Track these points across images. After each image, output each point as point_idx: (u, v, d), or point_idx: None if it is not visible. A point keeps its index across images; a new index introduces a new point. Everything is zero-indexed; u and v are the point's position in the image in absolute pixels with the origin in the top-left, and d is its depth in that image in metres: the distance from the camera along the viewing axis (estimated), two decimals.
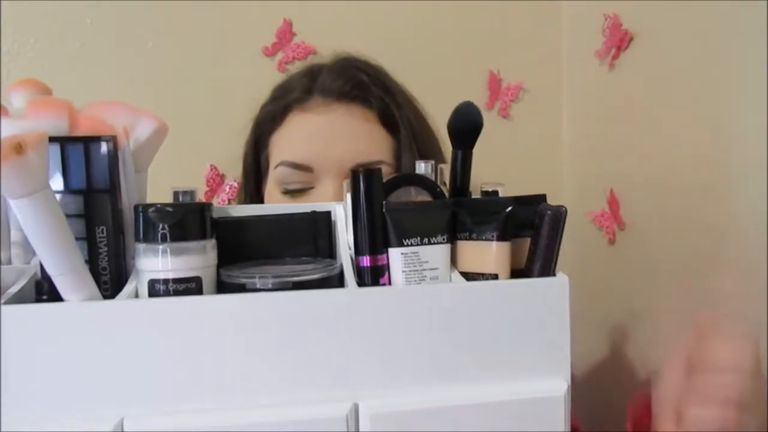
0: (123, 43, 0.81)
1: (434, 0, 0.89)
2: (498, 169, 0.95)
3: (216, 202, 0.86)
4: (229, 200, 0.85)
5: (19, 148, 0.34)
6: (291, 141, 0.66)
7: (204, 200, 0.43)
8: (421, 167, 0.50)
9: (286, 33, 0.85)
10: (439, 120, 0.68)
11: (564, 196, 0.95)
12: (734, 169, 0.63)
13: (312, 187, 0.64)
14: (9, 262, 0.44)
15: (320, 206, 0.49)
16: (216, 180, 0.85)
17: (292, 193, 0.64)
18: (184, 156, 0.83)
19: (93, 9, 0.80)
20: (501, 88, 0.91)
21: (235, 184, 0.85)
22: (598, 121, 0.87)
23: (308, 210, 0.48)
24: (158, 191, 0.47)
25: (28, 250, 0.43)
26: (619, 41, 0.78)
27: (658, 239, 0.75)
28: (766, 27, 0.57)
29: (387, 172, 0.62)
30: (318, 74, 0.68)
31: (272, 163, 0.67)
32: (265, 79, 0.73)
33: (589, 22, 0.84)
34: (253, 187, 0.71)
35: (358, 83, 0.67)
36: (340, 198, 0.59)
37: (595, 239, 0.87)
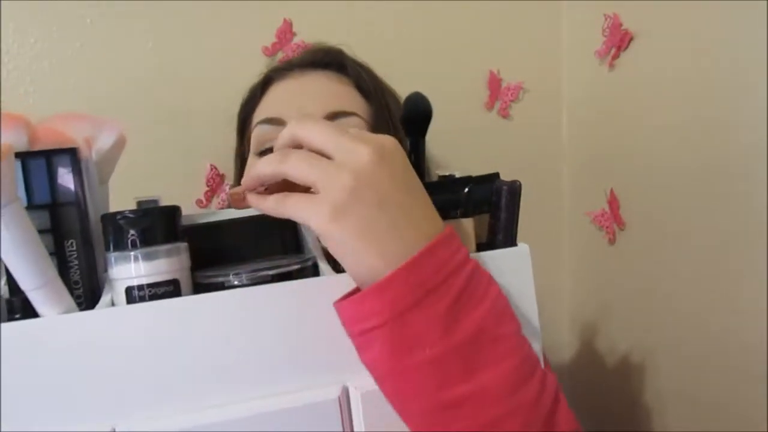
0: (123, 43, 0.81)
1: (434, 0, 0.89)
2: (498, 169, 0.95)
3: (216, 202, 0.86)
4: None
5: None
6: (266, 104, 0.67)
7: (176, 206, 0.43)
8: None
9: (286, 33, 0.85)
10: (439, 120, 0.68)
11: (564, 196, 0.95)
12: (734, 168, 0.63)
13: None
14: None
15: None
16: (216, 180, 0.85)
17: (265, 153, 0.64)
18: (185, 156, 0.83)
19: (93, 9, 0.80)
20: (501, 88, 0.91)
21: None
22: (598, 121, 0.87)
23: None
24: (159, 192, 0.46)
25: None
26: (619, 41, 0.79)
27: (658, 239, 0.75)
28: (766, 27, 0.57)
29: (361, 126, 0.62)
30: (300, 56, 0.71)
31: (252, 134, 0.67)
32: (258, 77, 0.72)
33: (589, 22, 0.84)
34: (237, 176, 0.72)
35: (335, 53, 0.70)
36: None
37: (595, 239, 0.88)
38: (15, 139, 0.39)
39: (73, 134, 0.42)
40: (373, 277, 0.36)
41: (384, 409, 0.40)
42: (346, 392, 0.41)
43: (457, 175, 0.50)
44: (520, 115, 0.92)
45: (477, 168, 0.55)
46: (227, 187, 0.85)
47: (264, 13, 0.84)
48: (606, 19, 0.81)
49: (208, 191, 0.85)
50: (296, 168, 0.37)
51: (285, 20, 0.85)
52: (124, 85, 0.82)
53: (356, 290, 0.38)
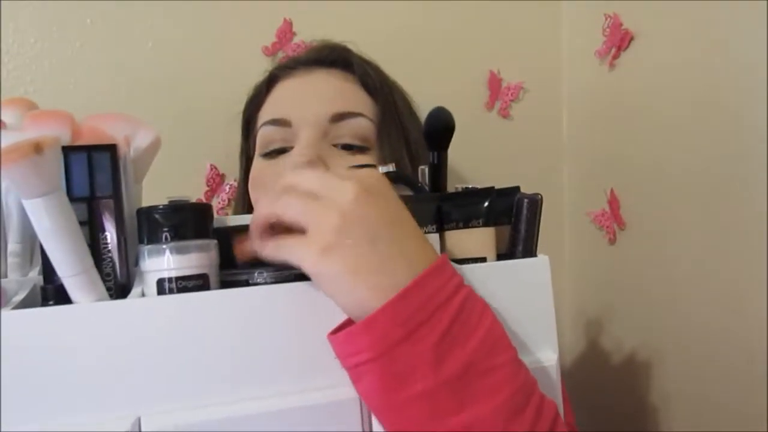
0: (123, 43, 0.81)
1: (434, 0, 0.89)
2: (498, 169, 0.95)
3: (216, 202, 0.86)
4: (229, 200, 0.85)
5: (38, 147, 0.35)
6: (271, 104, 0.66)
7: (208, 204, 0.44)
8: (383, 170, 0.51)
9: (286, 33, 0.85)
10: None
11: (564, 196, 0.95)
12: (734, 168, 0.63)
13: (291, 146, 0.62)
14: (5, 276, 0.44)
15: None
16: (216, 180, 0.85)
17: (271, 154, 0.63)
18: (184, 156, 0.83)
19: (93, 9, 0.80)
20: (501, 88, 0.91)
21: (235, 184, 0.85)
22: (598, 121, 0.87)
23: None
24: (159, 192, 0.47)
25: (26, 264, 0.44)
26: (619, 41, 0.79)
27: (658, 239, 0.75)
28: (766, 27, 0.57)
29: (367, 127, 0.62)
30: (304, 53, 0.71)
31: (257, 134, 0.66)
32: (263, 76, 0.72)
33: (589, 22, 0.84)
34: (243, 176, 0.71)
35: (341, 50, 0.69)
36: (316, 150, 0.60)
37: (595, 239, 0.88)
38: (59, 134, 0.41)
39: (113, 132, 0.44)
40: (364, 311, 0.36)
41: None
42: None
43: (478, 187, 0.51)
44: (520, 115, 0.92)
45: (477, 168, 0.55)
46: (227, 187, 0.85)
47: (264, 13, 0.84)
48: (606, 19, 0.81)
49: (208, 191, 0.85)
50: (286, 210, 0.38)
51: (285, 20, 0.85)
52: (124, 85, 0.82)
53: (349, 321, 0.38)
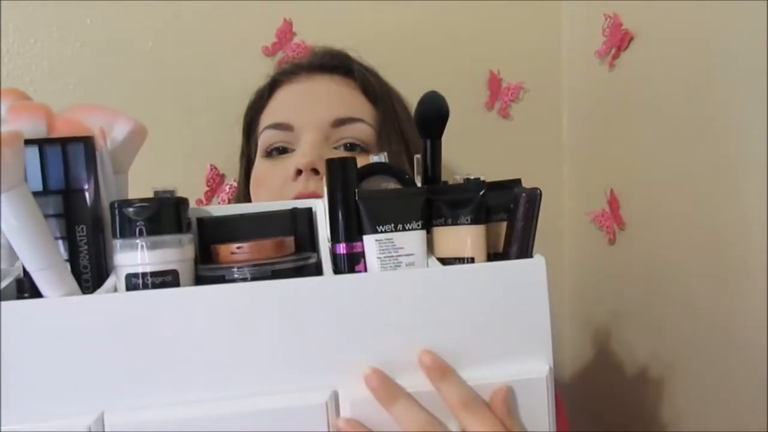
0: (123, 43, 0.81)
1: (434, 0, 0.89)
2: (498, 169, 0.95)
3: (216, 202, 0.86)
4: (228, 200, 0.85)
5: None
6: (274, 108, 0.67)
7: (183, 198, 0.44)
8: (374, 159, 0.50)
9: (286, 33, 0.85)
10: None
11: (564, 196, 0.95)
12: (734, 168, 0.63)
13: (294, 149, 0.64)
14: None
15: (300, 203, 0.49)
16: (216, 180, 0.85)
17: (272, 154, 0.65)
18: (184, 156, 0.83)
19: (93, 9, 0.80)
20: (501, 88, 0.91)
21: (235, 184, 0.85)
22: (598, 121, 0.87)
23: (288, 207, 0.49)
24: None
25: (13, 254, 0.44)
26: (619, 41, 0.79)
27: (658, 239, 0.75)
28: (766, 27, 0.57)
29: (367, 132, 0.63)
30: (306, 59, 0.72)
31: (259, 138, 0.67)
32: (265, 79, 0.73)
33: (589, 22, 0.84)
34: (244, 177, 0.72)
35: (342, 56, 0.70)
36: (317, 153, 0.60)
37: (595, 239, 0.88)
38: (34, 127, 0.42)
39: (90, 124, 0.44)
40: None
41: (372, 417, 0.40)
42: (335, 398, 0.40)
43: (482, 179, 0.48)
44: (520, 115, 0.92)
45: (477, 168, 0.55)
46: (227, 187, 0.85)
47: (264, 13, 0.84)
48: (606, 19, 0.81)
49: (208, 191, 0.85)
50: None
51: (285, 20, 0.85)
52: (124, 85, 0.82)
53: None
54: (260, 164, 0.66)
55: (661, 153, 0.73)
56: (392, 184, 0.49)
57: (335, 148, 0.63)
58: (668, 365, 0.75)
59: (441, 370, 0.41)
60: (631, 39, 0.77)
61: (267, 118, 0.67)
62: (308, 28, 0.85)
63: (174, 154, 0.83)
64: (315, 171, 0.60)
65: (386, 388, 0.40)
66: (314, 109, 0.64)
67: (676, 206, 0.71)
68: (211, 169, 0.85)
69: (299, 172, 0.60)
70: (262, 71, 0.73)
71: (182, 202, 0.43)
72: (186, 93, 0.83)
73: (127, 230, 0.40)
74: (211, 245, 0.44)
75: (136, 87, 0.82)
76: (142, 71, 0.82)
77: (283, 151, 0.64)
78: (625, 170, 0.81)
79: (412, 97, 0.73)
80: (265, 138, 0.65)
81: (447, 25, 0.89)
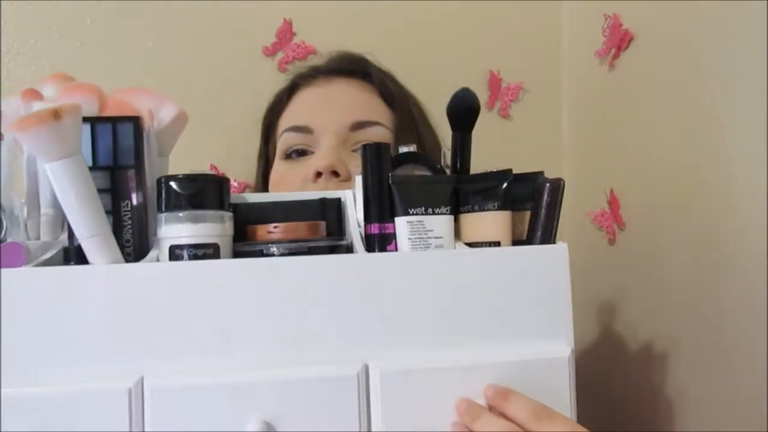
0: (123, 43, 0.81)
1: (435, 0, 0.89)
2: (498, 169, 0.95)
3: None
4: None
5: (56, 113, 0.38)
6: (293, 111, 0.69)
7: (226, 177, 0.47)
8: (404, 150, 0.52)
9: (286, 33, 0.85)
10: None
11: (564, 196, 0.95)
12: (734, 168, 0.63)
13: (312, 152, 0.65)
14: (38, 238, 0.46)
15: (330, 194, 0.51)
16: None
17: (291, 156, 0.66)
18: (184, 156, 0.83)
19: (93, 9, 0.80)
20: (501, 88, 0.91)
21: (235, 184, 0.85)
22: (598, 121, 0.87)
23: (318, 197, 0.50)
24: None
25: (57, 227, 0.46)
26: (619, 41, 0.79)
27: (658, 239, 0.75)
28: (766, 27, 0.57)
29: (385, 136, 0.65)
30: (325, 62, 0.73)
31: (278, 140, 0.69)
32: (265, 79, 0.73)
33: (589, 22, 0.84)
34: (262, 178, 0.73)
35: (360, 60, 0.71)
36: (336, 156, 0.62)
37: (595, 239, 0.88)
38: (86, 105, 0.44)
39: (138, 106, 0.47)
40: None
41: (402, 390, 0.41)
42: (366, 371, 0.41)
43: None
44: (520, 115, 0.92)
45: (477, 168, 0.55)
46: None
47: (264, 13, 0.84)
48: (606, 19, 0.81)
49: None
50: None
51: (285, 20, 0.85)
52: (125, 85, 0.81)
53: None
54: (279, 166, 0.67)
55: (661, 153, 0.73)
56: (423, 173, 0.51)
57: (353, 150, 0.65)
58: (669, 366, 0.75)
59: (502, 394, 0.42)
60: (631, 39, 0.77)
61: (286, 120, 0.68)
62: (308, 28, 0.85)
63: (174, 154, 0.83)
64: (335, 173, 0.61)
65: (471, 409, 0.42)
66: (333, 113, 0.65)
67: (676, 206, 0.71)
68: (211, 169, 0.85)
69: (319, 174, 0.61)
70: (262, 71, 0.73)
71: (225, 182, 0.45)
72: (186, 93, 0.83)
73: (172, 204, 0.42)
74: (247, 226, 0.46)
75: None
76: (142, 71, 0.82)
77: (302, 153, 0.66)
78: (625, 170, 0.81)
79: (413, 97, 0.73)
80: (285, 140, 0.67)
81: (447, 25, 0.90)
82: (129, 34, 0.82)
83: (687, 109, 0.69)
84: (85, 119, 0.42)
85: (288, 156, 0.66)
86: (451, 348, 0.43)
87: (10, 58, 0.79)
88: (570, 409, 0.44)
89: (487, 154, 0.91)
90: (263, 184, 0.71)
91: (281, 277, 0.41)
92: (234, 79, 0.77)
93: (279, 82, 0.73)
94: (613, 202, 0.83)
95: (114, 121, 0.44)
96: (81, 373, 0.39)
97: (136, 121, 0.44)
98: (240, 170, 0.79)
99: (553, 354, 0.44)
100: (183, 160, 0.83)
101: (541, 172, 0.49)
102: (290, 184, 0.64)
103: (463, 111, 0.53)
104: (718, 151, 0.65)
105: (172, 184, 0.42)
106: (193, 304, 0.40)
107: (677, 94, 0.70)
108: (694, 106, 0.67)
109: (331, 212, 0.49)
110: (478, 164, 0.54)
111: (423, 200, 0.46)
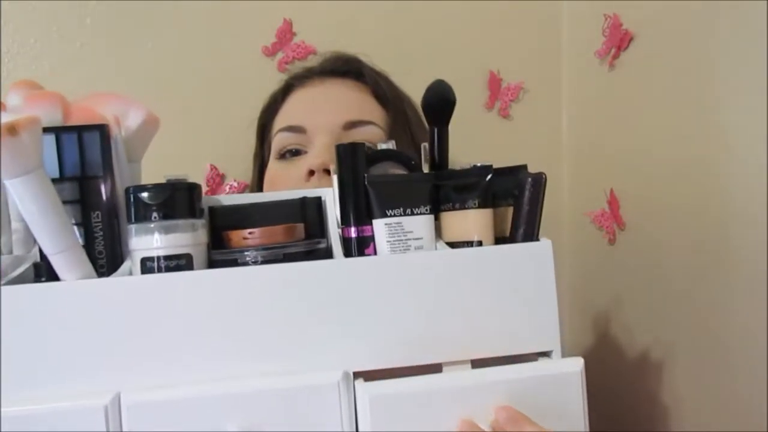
0: (123, 43, 0.81)
1: (434, 0, 0.89)
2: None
3: None
4: None
5: (12, 129, 0.36)
6: (287, 111, 0.69)
7: (195, 183, 0.45)
8: (382, 146, 0.51)
9: (286, 33, 0.85)
10: None
11: (564, 196, 0.95)
12: (734, 168, 0.63)
13: (306, 152, 0.65)
14: (10, 252, 0.45)
15: (310, 192, 0.50)
16: (216, 180, 0.85)
17: (285, 156, 0.67)
18: (184, 156, 0.83)
19: (93, 9, 0.80)
20: (501, 88, 0.91)
21: (235, 184, 0.85)
22: (598, 121, 0.87)
23: (298, 196, 0.49)
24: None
25: (29, 240, 0.45)
26: (619, 41, 0.79)
27: (658, 239, 0.75)
28: (766, 27, 0.57)
29: (378, 135, 0.65)
30: (319, 63, 0.73)
31: (272, 140, 0.69)
32: (265, 79, 0.73)
33: (589, 22, 0.84)
34: (257, 178, 0.73)
35: (353, 61, 0.72)
36: (330, 153, 0.60)
37: (595, 239, 0.87)
38: (50, 114, 0.42)
39: (104, 113, 0.45)
40: None
41: (387, 400, 0.40)
42: (346, 378, 0.41)
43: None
44: (520, 115, 0.92)
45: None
46: (227, 187, 0.85)
47: (264, 13, 0.84)
48: (606, 19, 0.81)
49: (208, 191, 0.85)
50: None
51: (285, 20, 0.85)
52: (124, 85, 0.82)
53: None
54: (274, 165, 0.68)
55: (661, 153, 0.73)
56: (399, 171, 0.50)
57: None
58: (669, 366, 0.75)
59: (515, 420, 0.42)
60: (631, 39, 0.77)
61: (280, 121, 0.69)
62: (308, 28, 0.85)
63: (174, 154, 0.83)
64: (327, 171, 0.61)
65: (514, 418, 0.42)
66: (326, 113, 0.66)
67: (676, 206, 0.71)
68: (211, 169, 0.85)
69: (312, 172, 0.62)
70: (262, 71, 0.73)
71: (195, 188, 0.44)
72: (186, 93, 0.83)
73: (141, 215, 0.41)
74: (223, 231, 0.45)
75: (136, 87, 0.82)
76: (142, 71, 0.82)
77: (296, 153, 0.66)
78: (625, 170, 0.81)
79: (412, 96, 0.73)
80: (279, 140, 0.67)
81: (447, 25, 0.89)
82: (129, 34, 0.82)
83: (687, 109, 0.68)
84: (50, 129, 0.41)
85: (282, 156, 0.67)
86: (435, 353, 0.42)
87: (10, 58, 0.79)
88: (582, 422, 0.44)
89: (487, 154, 0.91)
90: (259, 185, 0.72)
91: (255, 286, 0.40)
92: (234, 79, 0.77)
93: (279, 82, 0.73)
94: (613, 202, 0.83)
95: (80, 130, 0.43)
96: (56, 391, 0.38)
97: (102, 129, 0.43)
98: (240, 170, 0.79)
99: (564, 369, 0.44)
100: (183, 160, 0.83)
101: (525, 166, 0.48)
102: (284, 184, 0.65)
103: (439, 104, 0.52)
104: (718, 151, 0.65)
105: (140, 194, 0.41)
106: (167, 318, 0.39)
107: (677, 94, 0.70)
108: (694, 106, 0.67)
109: (311, 212, 0.49)
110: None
111: (401, 200, 0.45)
